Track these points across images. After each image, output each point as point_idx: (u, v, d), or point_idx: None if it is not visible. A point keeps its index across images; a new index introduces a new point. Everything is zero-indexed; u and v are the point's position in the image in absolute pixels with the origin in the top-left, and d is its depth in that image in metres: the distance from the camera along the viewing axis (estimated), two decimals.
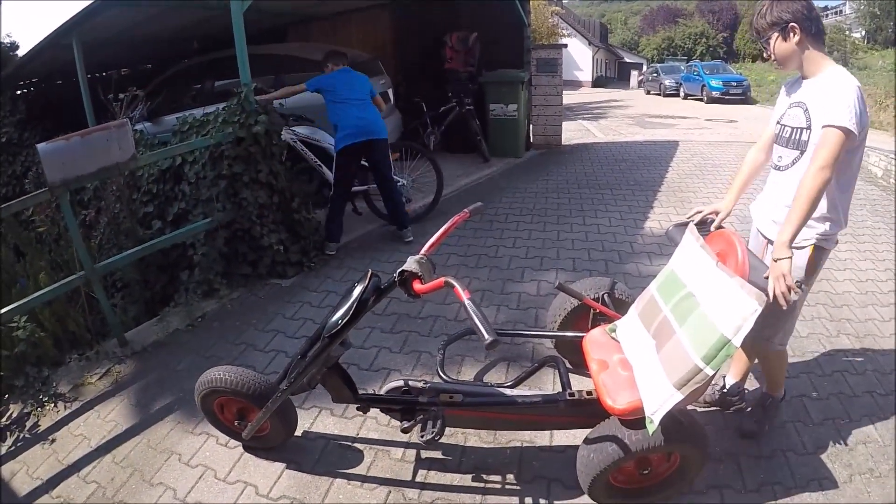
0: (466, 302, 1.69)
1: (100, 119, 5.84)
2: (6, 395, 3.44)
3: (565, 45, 10.46)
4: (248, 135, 4.24)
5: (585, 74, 37.93)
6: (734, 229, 2.19)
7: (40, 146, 3.47)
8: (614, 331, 2.35)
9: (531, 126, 9.08)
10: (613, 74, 44.35)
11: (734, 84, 21.06)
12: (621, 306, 2.65)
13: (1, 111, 8.10)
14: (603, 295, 2.70)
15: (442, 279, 1.83)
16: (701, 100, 21.51)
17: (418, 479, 2.47)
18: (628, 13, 71.43)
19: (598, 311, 2.63)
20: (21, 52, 12.83)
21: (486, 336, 1.59)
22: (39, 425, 3.17)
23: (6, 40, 13.50)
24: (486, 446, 2.62)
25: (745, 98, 20.92)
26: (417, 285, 1.91)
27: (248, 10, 4.33)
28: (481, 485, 2.42)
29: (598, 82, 37.77)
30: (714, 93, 20.79)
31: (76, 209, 4.41)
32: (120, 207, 4.57)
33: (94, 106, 6.05)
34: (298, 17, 8.98)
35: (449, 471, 2.50)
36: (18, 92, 8.70)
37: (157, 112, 6.60)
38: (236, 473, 2.59)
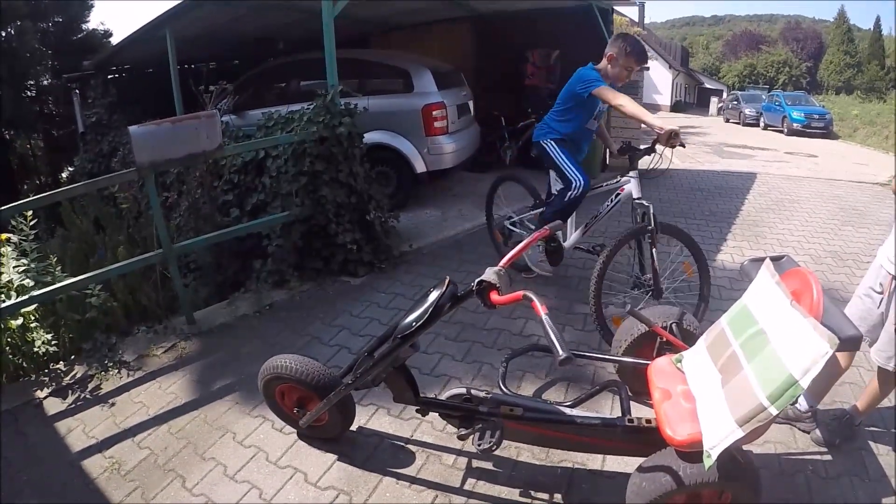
0: (543, 317, 1.70)
1: (187, 108, 6.11)
2: (73, 357, 3.62)
3: (647, 68, 10.32)
4: (331, 135, 4.36)
5: (664, 98, 37.09)
6: (809, 269, 2.13)
7: (132, 128, 3.63)
8: (680, 361, 2.31)
9: (607, 148, 8.96)
10: (693, 100, 43.37)
11: (816, 117, 20.34)
12: (688, 337, 2.61)
13: (93, 93, 8.56)
14: (671, 324, 2.65)
15: (520, 292, 1.83)
16: (781, 131, 20.84)
17: (466, 487, 2.48)
18: (710, 38, 70.11)
19: (665, 339, 2.59)
20: (114, 40, 13.52)
21: (561, 352, 1.60)
22: (101, 388, 3.32)
23: (100, 28, 14.19)
24: (537, 463, 2.61)
25: (826, 132, 20.16)
26: (494, 296, 1.91)
27: (336, 15, 4.48)
28: (528, 501, 2.41)
29: (676, 107, 36.92)
30: (795, 125, 20.14)
31: (159, 191, 4.61)
32: (201, 193, 4.75)
33: (183, 95, 6.34)
34: (381, 26, 9.16)
35: (498, 483, 2.49)
36: (110, 77, 9.12)
37: (242, 106, 6.84)
38: (288, 458, 2.65)
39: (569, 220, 4.15)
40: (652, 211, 3.49)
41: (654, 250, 3.49)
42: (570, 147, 4.01)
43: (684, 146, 3.61)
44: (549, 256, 4.23)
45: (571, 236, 4.14)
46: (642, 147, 3.74)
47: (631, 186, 3.66)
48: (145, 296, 4.32)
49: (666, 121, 3.48)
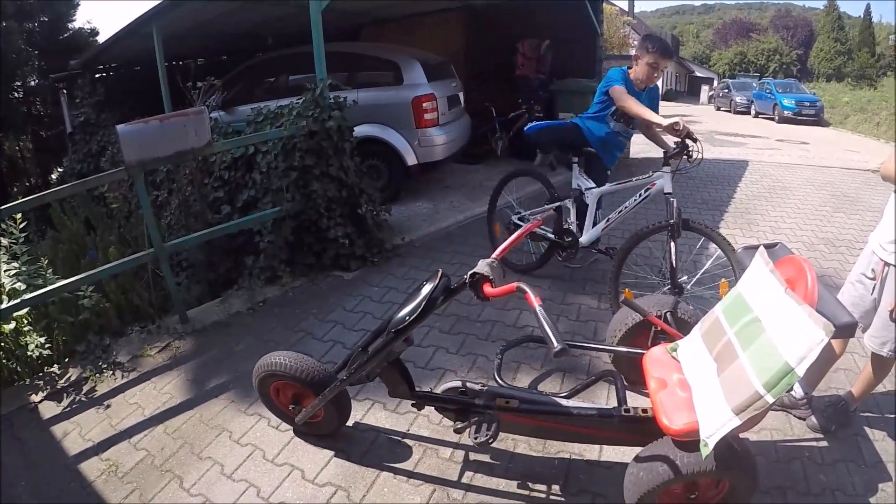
0: (538, 309, 1.69)
1: (176, 105, 6.05)
2: (66, 359, 3.60)
3: None
4: (321, 129, 4.34)
5: None
6: (803, 256, 2.13)
7: (120, 127, 3.59)
8: (675, 350, 2.31)
9: None
10: (683, 88, 43.35)
11: (807, 104, 20.43)
12: (683, 326, 2.60)
13: (81, 92, 8.49)
14: (666, 313, 2.65)
15: (514, 284, 1.83)
16: (772, 119, 20.91)
17: (464, 480, 2.48)
18: (701, 26, 70.13)
19: (659, 328, 2.59)
20: (101, 38, 13.41)
21: (556, 344, 1.59)
22: (96, 390, 3.30)
23: (87, 26, 14.08)
24: (534, 454, 2.61)
25: (817, 120, 20.27)
26: (488, 288, 1.91)
27: (324, 9, 4.45)
28: (526, 492, 2.41)
29: (667, 96, 36.76)
30: (786, 112, 20.21)
31: (148, 189, 4.58)
32: (191, 191, 4.73)
33: (171, 93, 6.29)
34: (372, 18, 9.11)
35: (495, 475, 2.50)
36: (98, 75, 9.03)
37: (231, 102, 6.79)
38: (284, 456, 2.65)
39: (588, 216, 4.09)
40: (676, 206, 3.48)
41: (672, 245, 3.46)
42: (596, 141, 4.11)
43: (694, 139, 3.56)
44: (563, 252, 4.19)
45: (589, 232, 4.07)
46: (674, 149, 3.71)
47: (663, 181, 3.66)
48: (138, 296, 4.29)
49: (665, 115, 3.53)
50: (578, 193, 4.13)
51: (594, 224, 4.08)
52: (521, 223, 4.31)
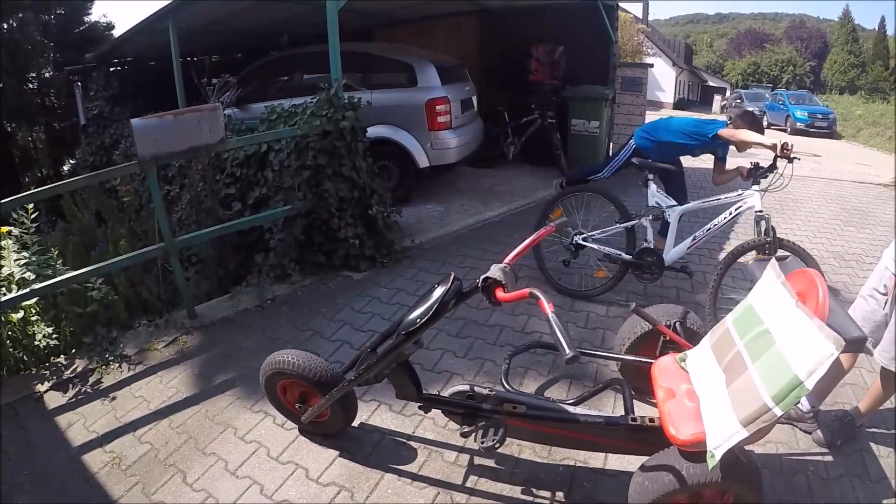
0: (550, 315, 1.69)
1: (190, 101, 6.07)
2: (73, 350, 3.61)
3: (651, 65, 10.27)
4: (334, 129, 4.35)
5: (667, 96, 36.84)
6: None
7: (134, 121, 3.61)
8: (684, 360, 2.30)
9: (611, 144, 8.89)
10: (696, 97, 43.12)
11: (820, 116, 20.28)
12: (692, 336, 2.60)
13: (95, 85, 8.53)
14: (675, 323, 2.64)
15: (527, 290, 1.83)
16: (784, 130, 20.76)
17: (468, 484, 2.47)
18: (714, 35, 69.96)
19: (668, 338, 2.58)
20: (117, 33, 13.50)
21: (568, 351, 1.59)
22: (102, 382, 3.31)
23: (102, 20, 14.18)
24: (539, 461, 2.60)
25: (830, 132, 20.10)
26: (500, 293, 1.91)
27: (339, 9, 4.45)
28: (530, 498, 2.40)
29: (679, 104, 36.65)
30: (798, 124, 20.06)
31: (160, 184, 4.60)
32: (203, 186, 4.74)
33: (185, 88, 6.32)
34: (386, 20, 9.13)
35: (500, 480, 2.49)
36: (112, 69, 9.09)
37: (245, 99, 6.81)
38: (289, 454, 2.65)
39: (669, 235, 4.04)
40: (771, 224, 3.53)
41: None
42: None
43: (799, 158, 3.65)
44: (646, 272, 4.07)
45: (673, 250, 4.01)
46: (766, 165, 3.81)
47: (754, 200, 3.69)
48: (146, 289, 4.31)
49: (770, 134, 3.67)
50: (659, 212, 4.09)
51: (675, 243, 4.04)
52: (585, 243, 4.16)
